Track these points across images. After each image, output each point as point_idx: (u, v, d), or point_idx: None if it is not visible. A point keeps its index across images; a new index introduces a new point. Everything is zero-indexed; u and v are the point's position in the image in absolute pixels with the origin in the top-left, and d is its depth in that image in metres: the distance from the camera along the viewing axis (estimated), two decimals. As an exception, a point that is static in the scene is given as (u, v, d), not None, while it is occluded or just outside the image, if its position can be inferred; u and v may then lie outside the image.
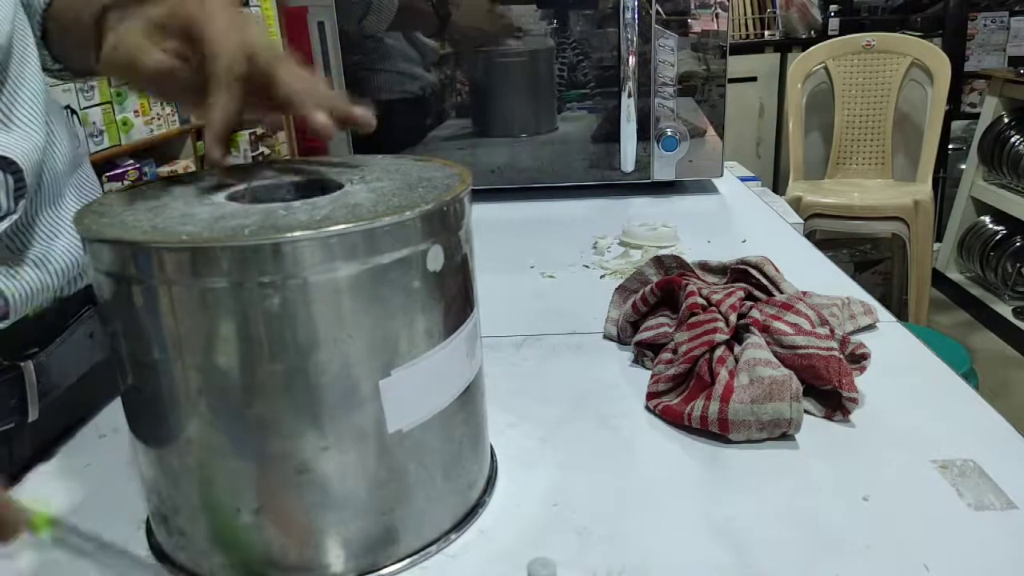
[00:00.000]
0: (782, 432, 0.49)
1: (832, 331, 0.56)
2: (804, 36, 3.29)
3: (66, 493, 0.48)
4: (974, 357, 1.94)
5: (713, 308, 0.56)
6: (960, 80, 3.16)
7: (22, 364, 0.50)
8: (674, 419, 0.51)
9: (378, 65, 1.09)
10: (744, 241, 0.90)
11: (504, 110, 1.13)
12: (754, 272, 0.62)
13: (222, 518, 0.38)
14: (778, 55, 3.30)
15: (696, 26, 1.07)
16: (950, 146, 3.21)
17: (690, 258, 0.68)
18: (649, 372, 0.56)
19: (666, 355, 0.56)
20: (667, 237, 0.88)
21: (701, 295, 0.58)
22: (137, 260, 0.34)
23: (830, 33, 3.22)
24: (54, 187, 0.53)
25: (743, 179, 1.28)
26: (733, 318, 0.55)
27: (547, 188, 1.15)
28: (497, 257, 0.86)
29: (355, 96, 0.44)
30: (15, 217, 0.47)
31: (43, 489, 0.48)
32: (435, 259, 0.37)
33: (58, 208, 0.53)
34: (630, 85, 1.06)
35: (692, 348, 0.53)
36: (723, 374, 0.50)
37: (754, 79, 3.28)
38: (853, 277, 0.77)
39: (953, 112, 3.11)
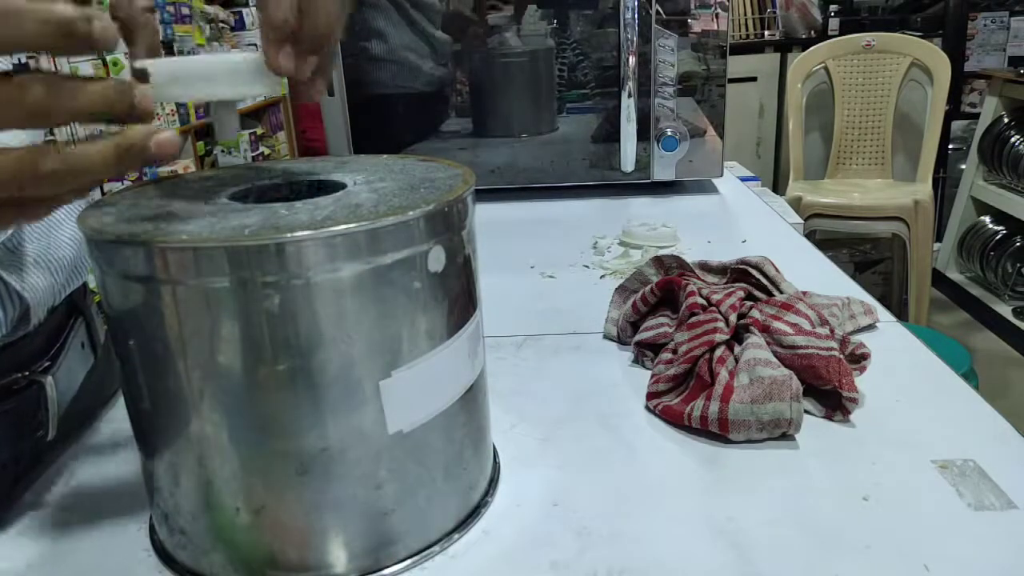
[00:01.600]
0: (782, 432, 0.49)
1: (832, 331, 0.56)
2: (804, 36, 3.29)
3: (69, 492, 0.48)
4: (974, 357, 1.95)
5: (713, 308, 0.56)
6: (960, 80, 3.16)
7: (44, 380, 0.47)
8: (674, 419, 0.51)
9: (380, 61, 1.09)
10: (744, 241, 0.90)
11: (504, 110, 1.13)
12: (754, 272, 0.62)
13: (223, 517, 0.38)
14: (778, 55, 3.30)
15: (696, 26, 1.07)
16: (950, 146, 3.21)
17: (690, 258, 0.68)
18: (649, 372, 0.56)
19: (666, 355, 0.56)
20: (667, 237, 0.88)
21: (701, 295, 0.58)
22: (139, 259, 0.34)
23: (830, 33, 3.22)
24: None
25: (743, 179, 1.28)
26: (733, 318, 0.55)
27: (547, 188, 1.15)
28: (497, 257, 0.87)
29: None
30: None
31: (46, 488, 0.48)
32: (437, 260, 0.37)
33: None
34: (630, 85, 1.06)
35: (692, 348, 0.53)
36: (723, 374, 0.50)
37: (754, 79, 3.29)
38: (853, 277, 0.77)
39: (953, 112, 3.12)
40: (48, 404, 0.47)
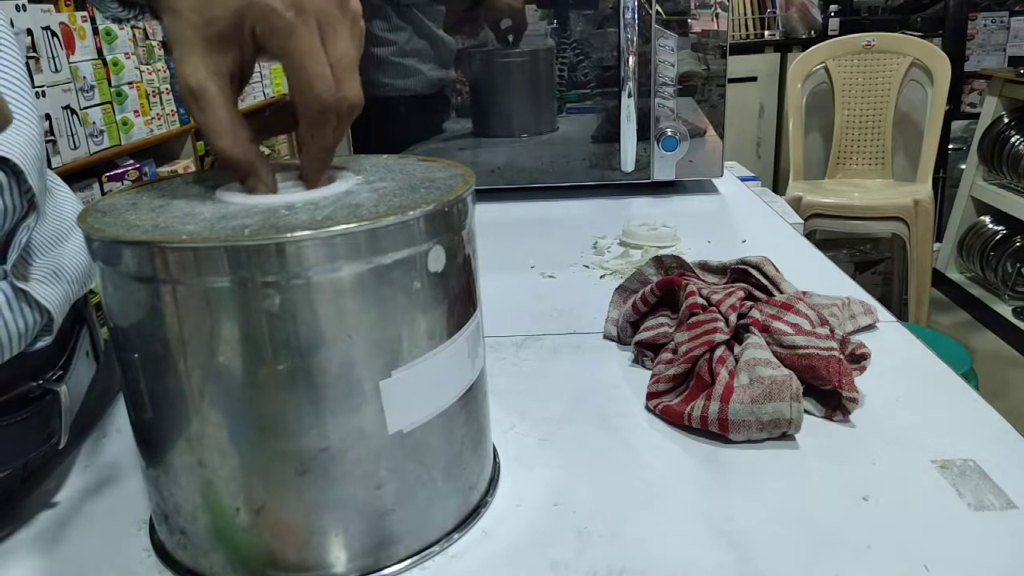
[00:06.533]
0: (782, 432, 0.49)
1: (832, 331, 0.56)
2: (804, 36, 3.29)
3: (69, 492, 0.48)
4: (974, 357, 1.95)
5: (713, 308, 0.56)
6: (960, 80, 3.16)
7: (59, 388, 0.46)
8: (674, 419, 0.51)
9: (381, 61, 1.09)
10: (744, 241, 0.90)
11: (504, 110, 1.13)
12: (754, 272, 0.62)
13: (222, 517, 0.38)
14: (778, 55, 3.31)
15: (696, 26, 1.07)
16: (950, 146, 3.21)
17: (690, 258, 0.68)
18: (649, 372, 0.56)
19: (666, 355, 0.56)
20: (667, 237, 0.88)
21: (701, 295, 0.58)
22: (139, 259, 0.34)
23: (830, 33, 3.23)
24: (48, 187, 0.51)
25: (743, 179, 1.28)
26: (733, 318, 0.55)
27: (547, 188, 1.15)
28: (497, 257, 0.87)
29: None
30: (34, 224, 0.44)
31: (47, 488, 0.48)
32: (437, 260, 0.37)
33: (58, 211, 0.52)
34: (630, 85, 1.06)
35: (692, 348, 0.53)
36: (723, 374, 0.50)
37: (754, 79, 3.29)
38: (853, 277, 0.77)
39: (953, 112, 3.12)
40: (62, 413, 0.47)
